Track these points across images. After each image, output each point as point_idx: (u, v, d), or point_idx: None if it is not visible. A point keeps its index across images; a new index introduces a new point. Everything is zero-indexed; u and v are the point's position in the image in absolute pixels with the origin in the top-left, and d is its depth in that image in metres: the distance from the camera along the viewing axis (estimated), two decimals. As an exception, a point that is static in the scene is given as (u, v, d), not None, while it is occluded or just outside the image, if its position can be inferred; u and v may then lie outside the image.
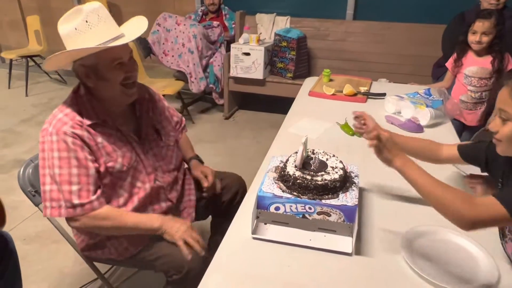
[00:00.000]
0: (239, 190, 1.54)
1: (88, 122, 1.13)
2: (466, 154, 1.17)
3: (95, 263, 1.37)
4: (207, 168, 1.48)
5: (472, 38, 2.14)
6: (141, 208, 1.24)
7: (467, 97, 2.23)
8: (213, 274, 0.95)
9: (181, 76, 3.71)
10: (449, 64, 2.32)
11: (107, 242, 1.27)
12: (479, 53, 2.19)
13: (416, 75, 3.22)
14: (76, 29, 1.07)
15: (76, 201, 1.09)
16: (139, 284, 1.75)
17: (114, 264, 1.44)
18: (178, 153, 1.42)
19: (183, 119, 1.58)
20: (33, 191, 1.23)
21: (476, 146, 1.16)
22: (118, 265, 1.60)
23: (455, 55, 2.28)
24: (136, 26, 1.21)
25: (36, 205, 1.24)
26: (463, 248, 1.02)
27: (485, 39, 2.11)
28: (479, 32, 2.11)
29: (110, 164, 1.15)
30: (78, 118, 1.12)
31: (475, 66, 2.19)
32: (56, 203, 1.11)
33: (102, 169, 1.14)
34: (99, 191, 1.14)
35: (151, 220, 1.19)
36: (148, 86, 1.39)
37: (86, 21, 1.07)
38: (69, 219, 1.15)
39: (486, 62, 2.17)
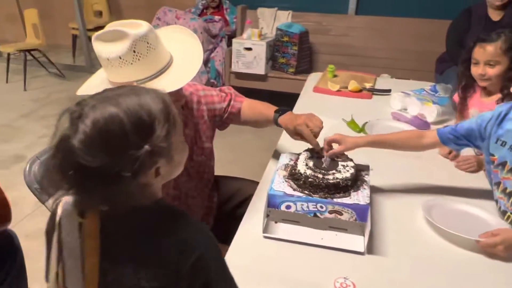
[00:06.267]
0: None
1: None
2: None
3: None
4: (298, 120, 1.19)
5: (474, 71, 1.53)
6: None
7: None
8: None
9: (181, 71, 3.68)
10: (455, 98, 1.75)
11: None
12: (488, 92, 1.57)
13: (419, 70, 3.21)
14: (120, 58, 0.94)
15: None
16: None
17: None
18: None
19: (228, 94, 1.32)
20: (39, 188, 1.21)
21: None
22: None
23: (460, 92, 1.67)
24: (188, 50, 1.07)
25: (43, 202, 1.22)
26: (472, 214, 1.13)
27: (492, 71, 1.47)
28: (481, 61, 1.49)
29: None
30: None
31: (476, 109, 1.60)
32: None
33: None
34: None
35: None
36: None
37: (134, 51, 0.94)
38: None
39: (493, 105, 1.46)
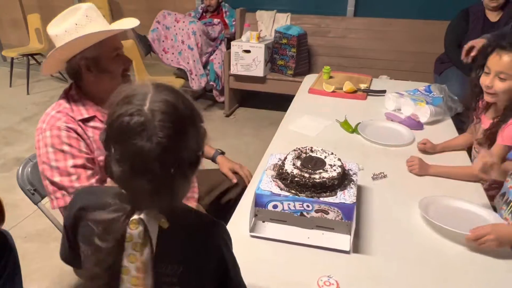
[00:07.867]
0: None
1: (79, 117, 1.18)
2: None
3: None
4: (234, 163, 1.55)
5: (482, 80, 1.31)
6: None
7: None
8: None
9: (181, 73, 3.71)
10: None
11: None
12: (495, 109, 1.38)
13: (417, 71, 3.20)
14: (76, 24, 1.11)
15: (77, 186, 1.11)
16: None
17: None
18: None
19: None
20: (32, 190, 1.23)
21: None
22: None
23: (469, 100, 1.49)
24: (127, 22, 1.26)
25: (35, 203, 1.25)
26: (468, 210, 1.15)
27: (500, 86, 1.25)
28: (492, 71, 1.27)
29: (100, 158, 1.18)
30: (70, 114, 1.18)
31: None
32: (60, 194, 1.13)
33: (96, 162, 1.17)
34: (96, 177, 1.16)
35: None
36: None
37: (86, 16, 1.12)
38: None
39: (487, 122, 1.38)
